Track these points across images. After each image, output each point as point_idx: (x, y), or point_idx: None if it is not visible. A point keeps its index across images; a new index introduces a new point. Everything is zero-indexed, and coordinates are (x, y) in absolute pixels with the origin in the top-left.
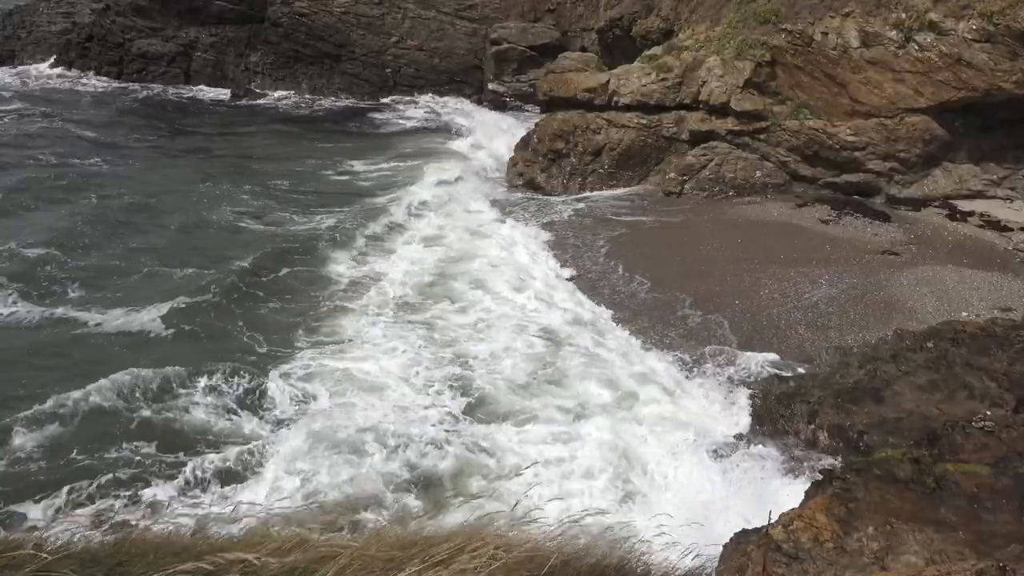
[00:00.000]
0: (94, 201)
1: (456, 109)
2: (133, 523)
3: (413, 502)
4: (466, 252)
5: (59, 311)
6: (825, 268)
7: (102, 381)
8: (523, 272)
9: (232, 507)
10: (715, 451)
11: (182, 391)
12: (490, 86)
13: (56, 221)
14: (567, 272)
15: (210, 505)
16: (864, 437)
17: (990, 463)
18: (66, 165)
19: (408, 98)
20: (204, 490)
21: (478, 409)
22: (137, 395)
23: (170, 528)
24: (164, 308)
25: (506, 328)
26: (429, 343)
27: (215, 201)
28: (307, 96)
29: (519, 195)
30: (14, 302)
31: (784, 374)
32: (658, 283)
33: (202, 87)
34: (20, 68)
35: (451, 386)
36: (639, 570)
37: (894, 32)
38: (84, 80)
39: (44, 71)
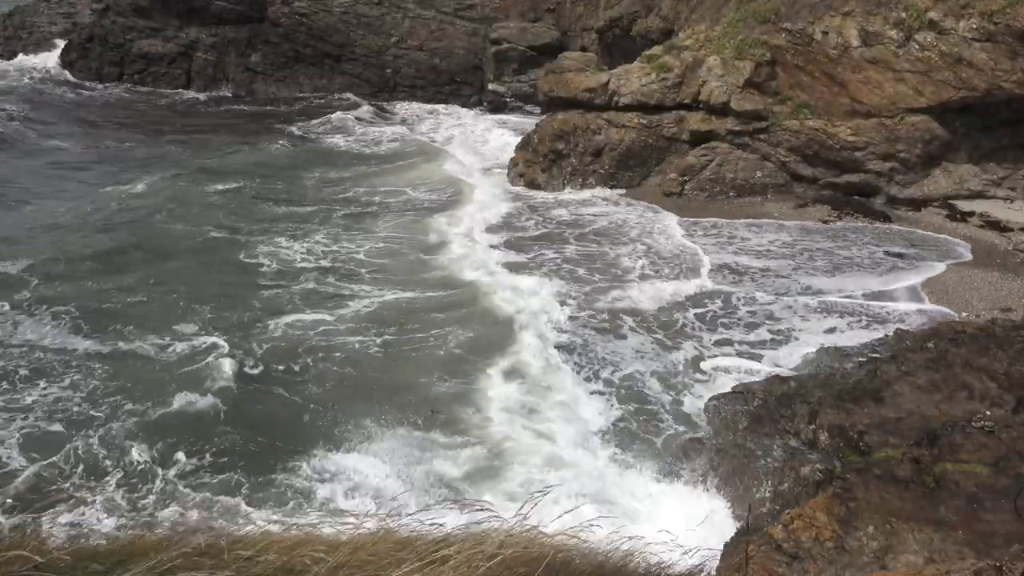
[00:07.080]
0: (125, 216)
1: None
2: (134, 523)
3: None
4: None
5: (111, 343)
6: None
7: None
8: None
9: None
10: None
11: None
12: (490, 86)
13: (83, 247)
14: None
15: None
16: (864, 437)
17: (990, 463)
18: (72, 180)
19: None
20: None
21: None
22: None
23: (171, 527)
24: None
25: None
26: None
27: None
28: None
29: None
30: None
31: (784, 374)
32: None
33: (202, 88)
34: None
35: None
36: (640, 570)
37: (894, 31)
38: (83, 86)
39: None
